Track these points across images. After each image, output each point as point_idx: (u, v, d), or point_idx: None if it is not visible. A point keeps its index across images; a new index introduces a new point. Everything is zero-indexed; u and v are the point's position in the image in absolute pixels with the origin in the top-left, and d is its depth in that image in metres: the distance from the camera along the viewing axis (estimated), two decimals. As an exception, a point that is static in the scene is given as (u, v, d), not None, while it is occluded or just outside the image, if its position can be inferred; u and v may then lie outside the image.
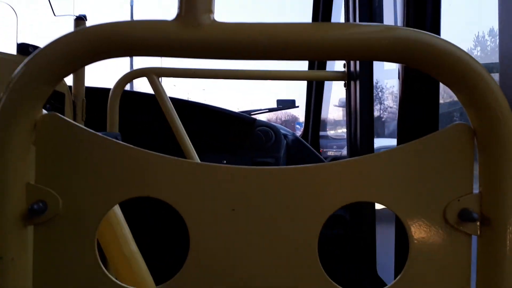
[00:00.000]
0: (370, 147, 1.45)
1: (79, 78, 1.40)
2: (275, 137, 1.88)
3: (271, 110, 2.79)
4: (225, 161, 1.87)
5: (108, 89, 1.54)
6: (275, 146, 1.88)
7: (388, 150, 0.44)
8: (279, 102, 2.76)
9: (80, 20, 1.35)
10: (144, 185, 0.43)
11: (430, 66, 0.42)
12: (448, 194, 0.44)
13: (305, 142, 2.01)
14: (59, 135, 0.44)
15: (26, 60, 0.41)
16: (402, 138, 1.03)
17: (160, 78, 1.52)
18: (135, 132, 1.90)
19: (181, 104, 1.68)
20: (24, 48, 1.19)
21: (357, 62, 1.47)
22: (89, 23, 1.41)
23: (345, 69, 1.54)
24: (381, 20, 1.44)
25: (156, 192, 0.43)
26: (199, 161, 1.53)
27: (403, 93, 1.01)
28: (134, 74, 1.51)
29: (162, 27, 0.41)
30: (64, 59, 0.41)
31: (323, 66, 2.02)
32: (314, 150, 2.00)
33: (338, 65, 1.98)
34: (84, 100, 1.38)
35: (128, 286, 0.43)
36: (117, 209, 0.60)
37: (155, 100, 1.50)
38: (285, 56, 0.43)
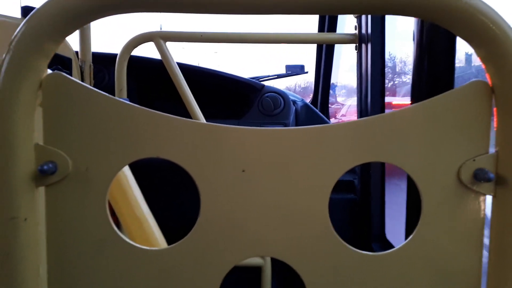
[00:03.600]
0: (381, 112, 1.42)
1: (85, 43, 1.38)
2: (284, 104, 1.86)
3: (279, 76, 2.74)
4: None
5: (115, 55, 1.52)
6: (284, 113, 1.86)
7: (401, 109, 0.43)
8: (288, 67, 2.71)
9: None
10: (154, 146, 0.43)
11: (447, 20, 0.40)
12: (463, 154, 0.42)
13: (314, 108, 1.99)
14: (66, 95, 0.43)
15: (28, 16, 0.39)
16: (416, 98, 1.00)
17: (166, 43, 1.49)
18: (143, 98, 1.89)
19: (189, 70, 1.66)
20: (28, 11, 1.17)
21: (369, 24, 1.42)
22: None
23: (356, 32, 1.49)
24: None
25: (166, 153, 0.43)
26: None
27: (418, 54, 0.98)
28: (140, 39, 1.48)
29: None
30: (67, 14, 0.40)
31: (333, 30, 1.96)
32: (323, 116, 1.98)
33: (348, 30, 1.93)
34: (92, 65, 1.37)
35: (141, 245, 0.43)
36: (127, 171, 0.60)
37: (162, 65, 1.48)
38: (294, 10, 0.41)
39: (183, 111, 1.51)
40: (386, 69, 1.47)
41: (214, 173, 0.43)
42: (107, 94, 0.43)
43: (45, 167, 0.41)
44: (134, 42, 1.50)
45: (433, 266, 0.43)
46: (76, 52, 1.35)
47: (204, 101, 1.61)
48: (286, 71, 2.72)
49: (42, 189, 0.43)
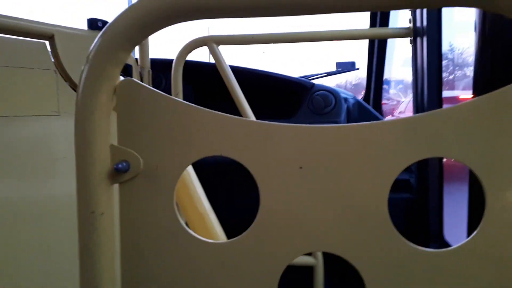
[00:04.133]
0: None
1: (144, 50, 1.46)
2: (335, 101, 1.84)
3: (330, 74, 2.71)
4: None
5: (171, 60, 1.59)
6: (335, 111, 1.84)
7: (461, 104, 0.42)
8: (339, 65, 2.67)
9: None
10: (217, 145, 0.45)
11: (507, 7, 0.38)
12: None
13: (366, 105, 1.95)
14: (137, 99, 0.47)
15: (104, 29, 0.44)
16: (479, 91, 0.96)
17: (218, 46, 1.53)
18: (198, 101, 1.96)
19: (240, 72, 1.70)
20: (93, 23, 1.26)
21: (424, 16, 1.37)
22: None
23: (411, 25, 1.44)
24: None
25: (228, 151, 0.45)
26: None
27: (481, 45, 0.93)
28: (194, 44, 1.54)
29: None
30: (139, 25, 0.43)
31: (385, 24, 1.91)
32: (376, 113, 1.93)
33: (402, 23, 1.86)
34: (150, 71, 1.45)
35: (205, 239, 0.46)
36: (190, 169, 0.64)
37: (215, 69, 1.53)
38: (344, 8, 0.41)
39: (236, 112, 1.55)
40: (445, 61, 1.41)
41: (273, 170, 0.45)
42: (173, 97, 0.46)
43: (120, 165, 0.45)
44: (188, 47, 1.56)
45: (497, 263, 0.42)
46: (136, 59, 1.44)
47: (255, 101, 1.64)
48: (337, 68, 2.68)
49: (116, 186, 0.47)
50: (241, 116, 1.54)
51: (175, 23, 0.44)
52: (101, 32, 0.44)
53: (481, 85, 0.96)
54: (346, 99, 1.92)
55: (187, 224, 0.63)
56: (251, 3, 0.41)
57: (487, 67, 0.93)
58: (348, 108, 1.91)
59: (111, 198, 0.46)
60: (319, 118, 1.86)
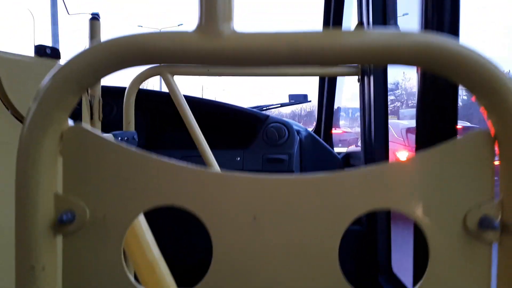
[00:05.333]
0: (385, 144, 1.44)
1: None
2: (288, 133, 1.89)
3: (283, 105, 2.78)
4: (238, 158, 1.88)
5: (124, 88, 1.56)
6: (288, 143, 1.88)
7: (407, 159, 0.45)
8: (291, 96, 2.76)
9: (94, 19, 1.36)
10: (168, 194, 0.44)
11: (449, 71, 0.42)
12: (468, 201, 0.44)
13: (318, 137, 2.01)
14: (85, 145, 0.45)
15: (52, 73, 0.42)
16: (420, 142, 1.03)
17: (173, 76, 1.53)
18: (150, 129, 1.92)
19: (195, 102, 1.70)
20: (41, 50, 1.21)
21: None
22: (102, 21, 1.42)
23: (359, 64, 1.52)
24: (396, 17, 1.43)
25: (179, 200, 0.44)
26: (213, 158, 1.55)
27: (421, 96, 1.01)
28: (148, 73, 1.53)
29: (184, 37, 0.42)
30: (90, 70, 0.42)
31: None
32: (327, 145, 2.00)
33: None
34: (101, 100, 1.40)
35: None
36: (141, 216, 0.61)
37: (169, 98, 1.51)
38: (303, 63, 0.43)
39: (190, 142, 1.54)
40: (391, 97, 1.50)
41: (226, 220, 0.44)
42: (123, 145, 0.45)
43: (64, 216, 0.42)
44: (142, 76, 1.54)
45: None
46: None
47: (210, 132, 1.63)
48: (289, 100, 2.76)
49: (59, 238, 0.44)
50: (195, 146, 1.53)
51: (128, 67, 0.44)
52: (49, 74, 0.42)
53: (423, 137, 1.02)
54: (298, 131, 1.97)
55: (135, 273, 0.60)
56: (206, 55, 0.42)
57: (428, 121, 1.00)
58: (300, 139, 1.96)
59: (54, 251, 0.43)
60: (273, 149, 1.89)
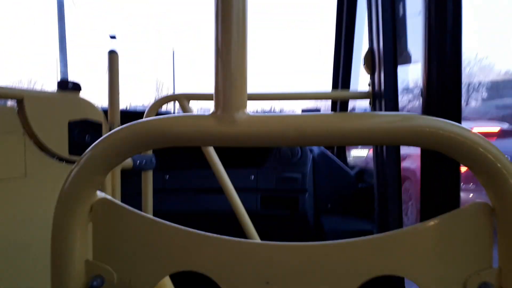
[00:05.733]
0: (396, 162, 1.46)
1: (114, 105, 1.47)
2: (301, 152, 1.92)
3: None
4: (252, 177, 1.92)
5: (142, 112, 1.61)
6: (301, 161, 1.91)
7: (411, 227, 0.48)
8: (304, 111, 2.78)
9: (113, 53, 1.42)
10: (187, 261, 0.48)
11: (448, 150, 0.45)
12: (468, 268, 0.46)
13: (331, 155, 2.03)
14: (111, 215, 0.49)
15: (83, 156, 0.46)
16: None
17: (189, 102, 1.58)
18: (165, 152, 1.98)
19: None
20: (63, 84, 1.27)
21: (382, 81, 1.48)
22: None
23: (370, 89, 1.55)
24: (406, 43, 1.45)
25: (199, 267, 0.48)
26: (226, 177, 1.58)
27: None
28: (166, 99, 1.58)
29: (202, 122, 0.46)
30: (116, 152, 0.47)
31: (347, 87, 2.03)
32: (340, 162, 2.02)
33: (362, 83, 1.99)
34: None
35: None
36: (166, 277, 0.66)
37: None
38: (312, 143, 0.47)
39: (204, 162, 1.58)
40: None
41: (241, 285, 0.48)
42: (146, 214, 0.49)
43: (95, 282, 0.47)
44: (160, 101, 1.59)
45: None
46: (105, 111, 1.45)
47: (224, 151, 1.68)
48: (303, 114, 2.78)
49: None
50: (209, 166, 1.57)
51: (151, 149, 0.48)
52: (81, 157, 0.47)
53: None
54: (311, 150, 2.00)
55: None
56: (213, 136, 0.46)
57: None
58: (313, 157, 1.99)
59: None
60: (286, 168, 1.92)
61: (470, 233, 0.47)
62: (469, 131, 0.44)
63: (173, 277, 0.69)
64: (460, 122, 1.03)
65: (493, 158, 0.43)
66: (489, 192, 0.45)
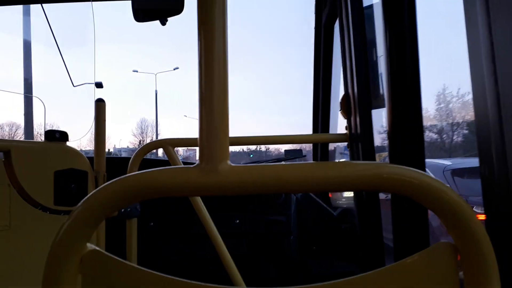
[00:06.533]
0: (377, 208, 1.51)
1: (100, 154, 1.50)
2: (284, 195, 1.95)
3: (279, 159, 2.87)
4: (237, 221, 1.93)
5: (127, 158, 1.64)
6: (285, 203, 1.94)
7: (388, 267, 0.51)
8: (287, 152, 2.85)
9: (100, 102, 1.46)
10: None
11: (415, 195, 0.49)
12: None
13: (313, 196, 2.07)
14: (101, 267, 0.51)
15: (75, 209, 0.49)
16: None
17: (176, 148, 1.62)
18: (153, 201, 1.98)
19: None
20: (50, 134, 1.30)
21: (358, 124, 1.56)
22: (105, 89, 1.53)
23: (347, 131, 1.62)
24: (379, 88, 1.54)
25: None
26: (211, 223, 1.60)
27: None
28: (152, 145, 1.62)
29: (188, 174, 0.50)
30: (106, 205, 0.50)
31: (326, 126, 2.12)
32: (323, 204, 2.05)
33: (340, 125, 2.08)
34: (105, 175, 1.48)
35: None
36: None
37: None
38: (291, 191, 0.51)
39: (190, 208, 1.60)
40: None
41: None
42: (134, 265, 0.51)
43: None
44: (146, 148, 1.63)
45: None
46: (90, 158, 1.47)
47: (209, 198, 1.70)
48: (285, 155, 2.85)
49: None
50: (195, 212, 1.59)
51: (140, 201, 0.51)
52: (72, 212, 0.49)
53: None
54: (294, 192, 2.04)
55: None
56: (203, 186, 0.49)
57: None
58: (297, 199, 2.02)
59: None
60: (271, 211, 1.95)
61: (438, 271, 0.50)
62: (432, 178, 0.49)
63: None
64: (423, 165, 1.11)
65: (453, 202, 0.48)
66: (451, 233, 0.50)
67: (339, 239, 1.99)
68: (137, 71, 30.28)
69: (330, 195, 2.41)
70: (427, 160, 1.12)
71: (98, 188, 0.50)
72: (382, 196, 1.60)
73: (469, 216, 0.48)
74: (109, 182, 0.50)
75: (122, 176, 0.51)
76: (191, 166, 0.51)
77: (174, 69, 29.61)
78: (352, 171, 0.50)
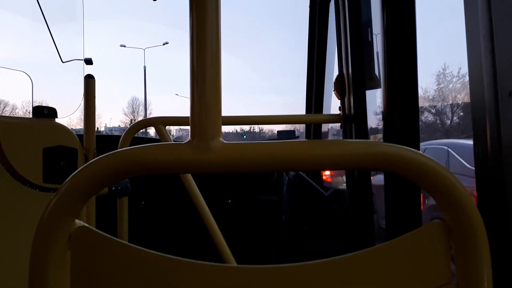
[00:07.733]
0: (368, 189, 1.51)
1: (90, 131, 1.48)
2: (277, 174, 1.95)
3: (271, 139, 2.87)
4: (229, 200, 1.93)
5: (118, 137, 1.62)
6: (277, 183, 1.95)
7: (378, 246, 0.51)
8: (279, 133, 2.85)
9: (89, 78, 1.43)
10: (165, 286, 0.50)
11: (409, 174, 0.49)
12: (431, 284, 0.50)
13: (305, 177, 2.08)
14: (90, 244, 0.50)
15: (62, 185, 0.48)
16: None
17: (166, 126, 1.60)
18: (144, 179, 1.97)
19: None
20: (39, 111, 1.27)
21: (351, 105, 1.55)
22: (94, 65, 1.50)
23: (341, 112, 1.61)
24: (373, 68, 1.53)
25: None
26: (203, 202, 1.60)
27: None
28: (142, 123, 1.60)
29: (179, 151, 0.48)
30: (95, 181, 0.48)
31: (320, 107, 2.11)
32: (315, 184, 2.06)
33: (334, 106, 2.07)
34: (95, 153, 1.46)
35: None
36: None
37: None
38: (283, 169, 0.50)
39: (182, 187, 1.59)
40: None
41: None
42: (125, 242, 0.50)
43: None
44: (137, 125, 1.61)
45: None
46: (80, 136, 1.45)
47: (202, 177, 1.69)
48: (278, 136, 2.84)
49: None
50: (186, 191, 1.58)
51: (130, 177, 0.50)
52: (61, 187, 0.48)
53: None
54: (286, 172, 2.04)
55: None
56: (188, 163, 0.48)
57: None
58: (289, 179, 2.03)
59: None
60: (263, 190, 1.95)
61: (430, 250, 0.50)
62: (426, 156, 0.48)
63: None
64: (418, 144, 1.11)
65: (447, 181, 0.48)
66: (444, 212, 0.50)
67: (330, 219, 2.01)
68: (124, 46, 29.28)
69: (329, 179, 2.42)
70: (455, 141, 1.14)
71: (87, 163, 0.49)
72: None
73: (463, 195, 0.48)
74: (99, 157, 0.48)
75: (112, 152, 0.49)
76: (183, 142, 0.49)
77: (164, 44, 28.68)
78: (346, 149, 0.49)
